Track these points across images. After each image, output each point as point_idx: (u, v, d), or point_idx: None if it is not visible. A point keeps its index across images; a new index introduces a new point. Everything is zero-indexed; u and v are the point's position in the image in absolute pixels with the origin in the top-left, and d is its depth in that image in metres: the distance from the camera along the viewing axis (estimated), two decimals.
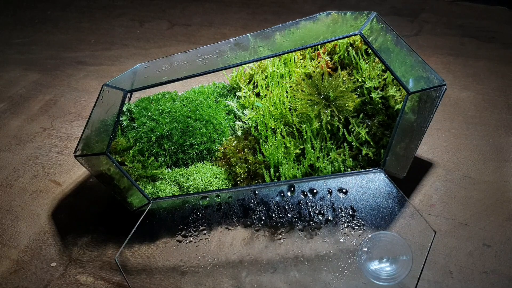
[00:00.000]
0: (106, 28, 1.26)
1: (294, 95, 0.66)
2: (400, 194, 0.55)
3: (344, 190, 0.58)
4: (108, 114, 0.60)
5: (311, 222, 0.57)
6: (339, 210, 0.57)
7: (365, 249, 0.50)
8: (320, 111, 0.62)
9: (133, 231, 0.54)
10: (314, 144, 0.62)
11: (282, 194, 0.59)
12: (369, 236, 0.51)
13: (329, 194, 0.58)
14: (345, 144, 0.62)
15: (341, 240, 0.55)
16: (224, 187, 0.63)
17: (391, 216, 0.56)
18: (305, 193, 0.59)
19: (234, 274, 0.53)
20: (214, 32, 1.19)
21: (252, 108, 0.69)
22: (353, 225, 0.55)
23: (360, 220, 0.55)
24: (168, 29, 1.23)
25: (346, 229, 0.55)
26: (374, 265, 0.49)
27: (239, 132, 0.68)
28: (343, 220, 0.56)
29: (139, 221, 0.56)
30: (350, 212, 0.56)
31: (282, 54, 0.60)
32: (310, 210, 0.58)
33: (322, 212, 0.57)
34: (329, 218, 0.57)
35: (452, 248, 0.54)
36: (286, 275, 0.53)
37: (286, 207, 0.58)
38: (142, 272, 0.54)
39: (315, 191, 0.58)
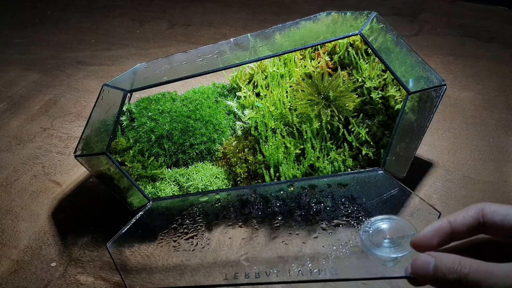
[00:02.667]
0: (106, 28, 1.26)
1: (294, 95, 0.66)
2: (400, 186, 0.55)
3: (344, 184, 0.57)
4: (108, 114, 0.60)
5: (311, 218, 0.57)
6: (340, 204, 0.56)
7: (368, 231, 0.48)
8: (320, 111, 0.62)
9: (130, 223, 0.54)
10: (314, 144, 0.62)
11: (282, 193, 0.59)
12: (371, 219, 0.49)
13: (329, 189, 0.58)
14: (345, 144, 0.62)
15: (342, 226, 0.55)
16: (224, 187, 0.63)
17: (393, 208, 0.56)
18: (306, 190, 0.59)
19: (234, 273, 0.53)
20: (214, 32, 1.19)
21: (252, 108, 0.69)
22: (354, 216, 0.55)
23: (361, 212, 0.55)
24: (168, 29, 1.23)
25: (346, 219, 0.55)
26: (378, 243, 0.47)
27: (239, 132, 0.69)
28: (344, 212, 0.56)
29: (137, 216, 0.56)
30: (351, 206, 0.56)
31: (282, 54, 0.60)
32: (310, 204, 0.58)
33: (322, 204, 0.57)
34: (329, 207, 0.56)
35: None
36: (286, 274, 0.53)
37: (286, 206, 0.58)
38: (142, 272, 0.54)
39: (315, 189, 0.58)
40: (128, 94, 0.60)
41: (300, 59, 0.71)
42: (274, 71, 0.70)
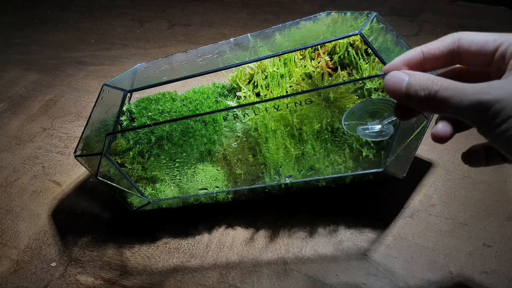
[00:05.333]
0: (106, 28, 1.26)
1: None
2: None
3: None
4: (108, 114, 0.60)
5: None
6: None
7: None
8: (320, 112, 0.62)
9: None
10: (314, 146, 0.62)
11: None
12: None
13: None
14: (346, 145, 0.62)
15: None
16: (224, 188, 0.63)
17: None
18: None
19: (234, 274, 0.53)
20: (214, 32, 1.19)
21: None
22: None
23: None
24: (168, 29, 1.23)
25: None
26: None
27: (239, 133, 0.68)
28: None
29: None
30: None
31: (282, 54, 0.60)
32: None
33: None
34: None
35: (452, 248, 0.54)
36: (287, 274, 0.53)
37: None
38: (142, 272, 0.54)
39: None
40: (128, 94, 0.60)
41: (300, 59, 0.71)
42: (274, 71, 0.70)
